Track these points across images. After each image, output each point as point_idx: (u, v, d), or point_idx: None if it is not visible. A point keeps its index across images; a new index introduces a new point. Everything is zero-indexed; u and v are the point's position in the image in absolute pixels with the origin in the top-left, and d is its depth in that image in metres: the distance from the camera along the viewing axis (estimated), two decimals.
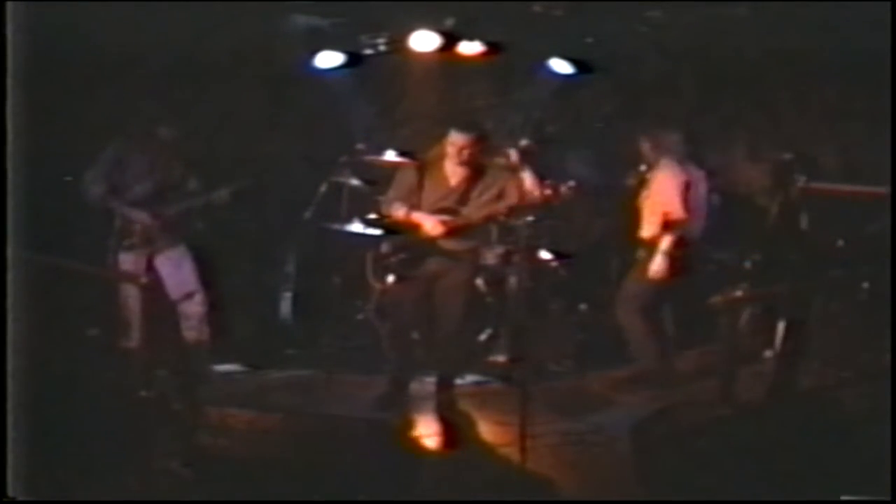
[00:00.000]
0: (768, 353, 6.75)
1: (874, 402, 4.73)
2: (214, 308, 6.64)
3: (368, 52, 7.07)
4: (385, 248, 6.08)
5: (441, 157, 6.05)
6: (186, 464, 4.50)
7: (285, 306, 7.66)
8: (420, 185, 6.07)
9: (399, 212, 6.07)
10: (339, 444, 4.61)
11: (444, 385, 6.20)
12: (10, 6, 4.13)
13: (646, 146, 6.13)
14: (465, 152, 5.93)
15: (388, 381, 6.20)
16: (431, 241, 5.97)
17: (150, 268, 6.30)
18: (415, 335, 6.42)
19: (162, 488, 4.40)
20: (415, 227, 6.00)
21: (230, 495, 4.35)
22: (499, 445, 5.41)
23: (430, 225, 5.95)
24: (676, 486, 4.57)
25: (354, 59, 7.08)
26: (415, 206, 6.04)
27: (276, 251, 7.61)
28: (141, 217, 6.16)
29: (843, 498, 4.24)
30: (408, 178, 6.13)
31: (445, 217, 5.96)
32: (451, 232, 5.95)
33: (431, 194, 6.05)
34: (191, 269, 6.43)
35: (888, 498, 4.13)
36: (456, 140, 5.92)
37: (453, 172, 6.05)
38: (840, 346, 6.16)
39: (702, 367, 6.54)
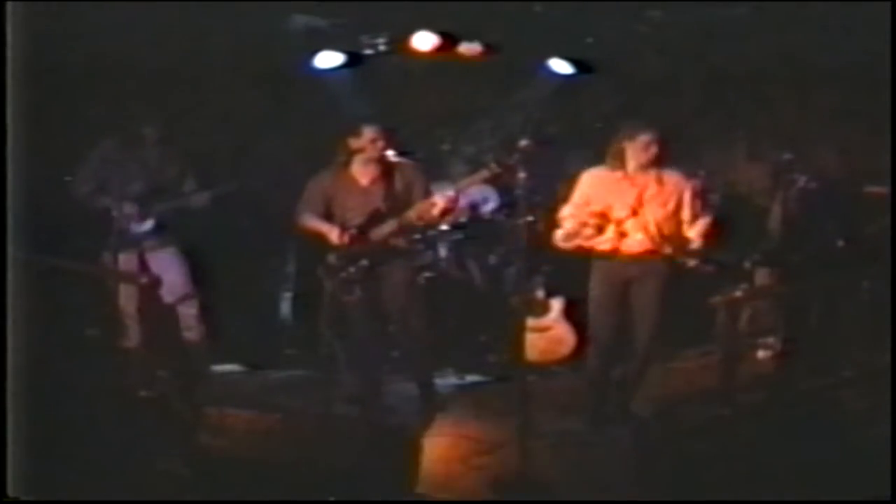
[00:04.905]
0: (768, 353, 6.77)
1: (874, 402, 4.73)
2: (208, 310, 6.63)
3: (368, 52, 7.09)
4: (333, 260, 5.95)
5: (347, 159, 5.99)
6: (186, 464, 4.50)
7: (285, 306, 7.67)
8: (331, 192, 6.00)
9: (311, 223, 6.03)
10: (339, 444, 4.60)
11: (425, 382, 6.20)
12: (9, 6, 4.13)
13: (654, 149, 5.83)
14: (379, 144, 5.90)
15: (359, 381, 6.19)
16: (375, 244, 5.91)
17: (145, 268, 6.29)
18: (391, 329, 6.40)
19: (162, 488, 4.40)
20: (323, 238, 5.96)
21: (230, 495, 4.34)
22: (499, 445, 5.42)
23: (335, 237, 5.91)
24: (676, 486, 4.57)
25: (354, 59, 7.10)
26: (329, 215, 5.98)
27: (275, 251, 7.61)
28: (126, 212, 6.16)
29: (844, 498, 4.24)
30: (317, 187, 6.05)
31: (352, 231, 5.89)
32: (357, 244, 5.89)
33: (345, 199, 5.98)
34: (181, 271, 6.41)
35: (888, 498, 4.13)
36: (369, 133, 5.90)
37: (363, 172, 5.99)
38: (840, 346, 6.16)
39: (702, 367, 6.54)
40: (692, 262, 5.71)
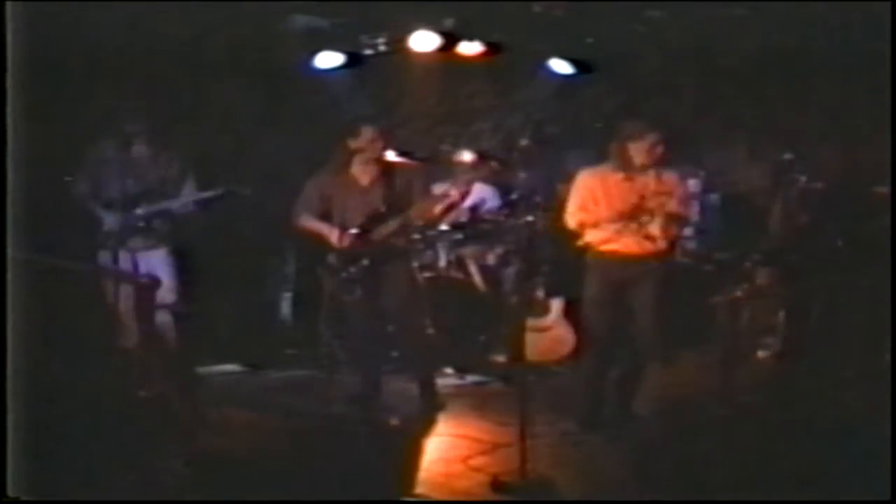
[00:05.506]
0: (768, 353, 6.77)
1: (874, 402, 4.73)
2: (194, 314, 6.58)
3: (368, 52, 7.09)
4: (333, 260, 5.96)
5: (346, 159, 6.00)
6: (186, 464, 4.50)
7: (285, 306, 7.67)
8: (330, 193, 6.00)
9: (309, 224, 6.04)
10: (339, 444, 4.60)
11: (424, 381, 6.19)
12: (9, 6, 4.13)
13: (659, 149, 5.74)
14: (378, 144, 5.92)
15: (359, 381, 6.20)
16: (376, 244, 5.90)
17: (136, 269, 6.25)
18: (391, 329, 6.39)
19: (162, 488, 4.40)
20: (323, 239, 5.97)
21: (230, 495, 4.34)
22: (499, 445, 5.42)
23: (335, 238, 5.92)
24: (676, 486, 4.57)
25: (354, 59, 7.10)
26: (328, 215, 5.98)
27: (275, 252, 7.61)
28: (108, 218, 6.14)
29: (844, 498, 4.24)
30: (315, 187, 6.05)
31: (352, 232, 5.89)
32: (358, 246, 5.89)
33: (345, 199, 5.98)
34: (169, 272, 6.36)
35: (888, 498, 4.13)
36: (368, 133, 5.91)
37: (363, 172, 5.99)
38: (840, 346, 6.16)
39: (702, 367, 6.53)
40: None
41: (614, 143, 5.73)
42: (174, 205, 6.30)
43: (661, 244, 5.70)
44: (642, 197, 5.65)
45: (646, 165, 5.66)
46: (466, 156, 7.46)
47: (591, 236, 5.78)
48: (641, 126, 5.74)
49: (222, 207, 6.53)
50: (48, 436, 4.22)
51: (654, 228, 5.65)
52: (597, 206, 5.72)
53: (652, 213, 5.64)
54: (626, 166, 5.67)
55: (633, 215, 5.66)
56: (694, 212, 5.77)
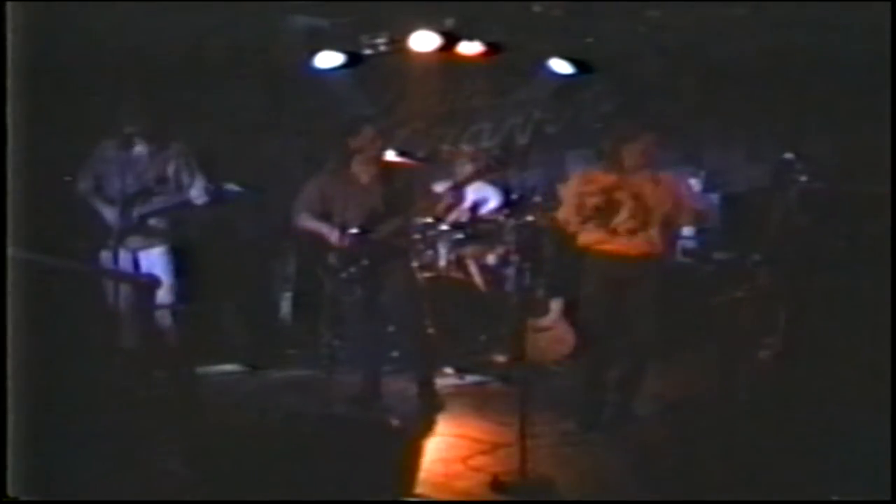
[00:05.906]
0: (768, 353, 6.77)
1: (874, 402, 4.73)
2: (194, 314, 6.57)
3: (368, 52, 7.10)
4: (333, 260, 5.96)
5: (346, 159, 6.00)
6: (186, 464, 4.50)
7: (285, 306, 7.68)
8: (330, 192, 6.01)
9: (308, 223, 6.05)
10: (339, 444, 4.60)
11: (424, 381, 6.19)
12: (9, 6, 4.13)
13: (652, 151, 5.80)
14: (378, 143, 5.95)
15: (359, 381, 6.20)
16: (375, 244, 5.90)
17: (137, 268, 6.25)
18: (391, 329, 6.40)
19: (162, 488, 4.40)
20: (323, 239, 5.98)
21: (230, 495, 4.34)
22: (499, 445, 5.42)
23: (334, 238, 5.92)
24: (677, 486, 4.57)
25: (354, 59, 7.11)
26: (328, 215, 5.99)
27: (276, 252, 7.62)
28: (109, 216, 6.14)
29: (844, 498, 4.25)
30: (314, 187, 6.07)
31: (351, 233, 5.89)
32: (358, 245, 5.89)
33: (345, 199, 5.97)
34: (168, 273, 6.34)
35: (888, 498, 4.13)
36: (368, 133, 5.93)
37: (363, 171, 5.99)
38: (840, 346, 6.16)
39: (702, 367, 6.54)
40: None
41: (607, 144, 5.73)
42: (175, 200, 6.29)
43: (659, 245, 5.70)
44: (636, 198, 5.64)
45: (639, 167, 5.66)
46: (465, 149, 7.50)
47: (586, 236, 5.77)
48: (635, 127, 5.75)
49: (222, 207, 6.53)
50: (48, 436, 4.21)
51: (651, 229, 5.67)
52: (586, 206, 5.71)
53: (643, 212, 5.65)
54: (618, 167, 5.67)
55: (618, 212, 5.66)
56: (705, 206, 5.75)
